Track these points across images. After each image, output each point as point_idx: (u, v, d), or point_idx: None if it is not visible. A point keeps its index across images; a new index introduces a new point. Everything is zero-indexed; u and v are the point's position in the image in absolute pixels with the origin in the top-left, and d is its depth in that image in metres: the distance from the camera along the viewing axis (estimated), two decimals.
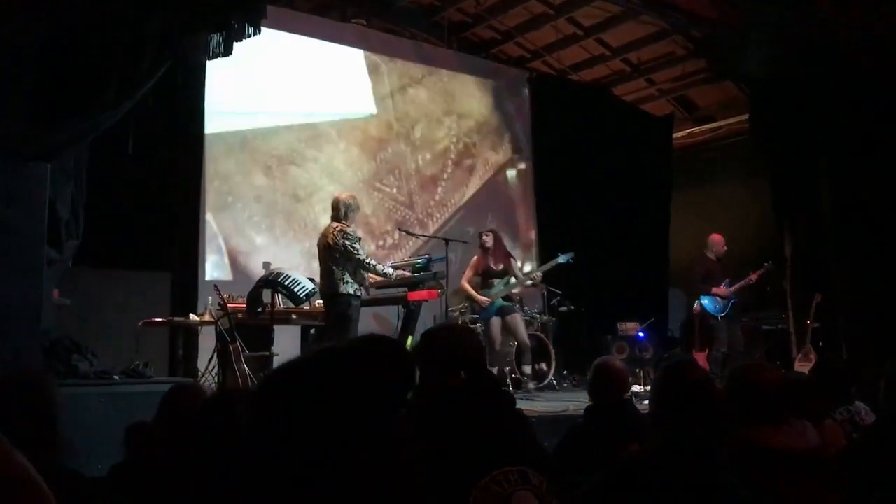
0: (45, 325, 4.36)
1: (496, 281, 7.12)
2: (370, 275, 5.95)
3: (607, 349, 8.19)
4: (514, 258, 7.63)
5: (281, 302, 6.28)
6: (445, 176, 9.63)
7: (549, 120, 10.19)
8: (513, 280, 7.25)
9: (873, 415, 3.46)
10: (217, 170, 7.84)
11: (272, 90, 8.20)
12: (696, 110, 11.62)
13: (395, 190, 9.15)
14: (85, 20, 4.40)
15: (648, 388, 6.48)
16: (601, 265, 9.38)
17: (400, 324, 6.36)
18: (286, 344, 6.53)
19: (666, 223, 10.66)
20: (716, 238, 7.68)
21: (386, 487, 0.98)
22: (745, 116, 9.13)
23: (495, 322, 7.06)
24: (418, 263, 6.56)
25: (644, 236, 10.28)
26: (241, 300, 6.41)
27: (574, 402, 6.14)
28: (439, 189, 9.53)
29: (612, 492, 2.01)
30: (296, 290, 5.97)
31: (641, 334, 8.75)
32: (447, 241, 6.72)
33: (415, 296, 6.28)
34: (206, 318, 6.42)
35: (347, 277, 5.70)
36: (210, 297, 6.47)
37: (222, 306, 5.99)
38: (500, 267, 7.18)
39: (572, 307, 8.78)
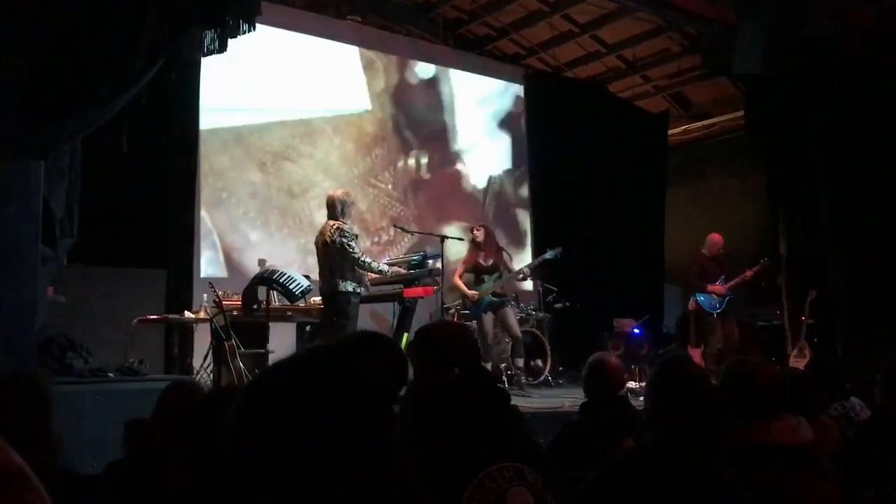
0: (40, 323, 4.33)
1: (487, 276, 7.10)
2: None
3: (603, 346, 8.19)
4: (506, 252, 7.58)
5: (276, 299, 6.27)
6: (440, 172, 9.62)
7: (544, 117, 10.19)
8: (504, 275, 7.23)
9: (868, 410, 3.47)
10: (211, 166, 7.83)
11: (267, 86, 8.17)
12: (691, 107, 11.64)
13: (390, 186, 9.14)
14: (79, 17, 4.38)
15: (644, 384, 6.48)
16: (596, 262, 9.41)
17: (395, 320, 6.36)
18: (281, 341, 6.53)
19: (661, 220, 10.70)
20: (714, 238, 7.65)
21: (380, 484, 0.98)
22: (741, 113, 9.13)
23: (487, 317, 7.05)
24: (414, 260, 6.54)
25: (639, 233, 10.30)
26: (236, 297, 6.39)
27: (569, 398, 6.16)
28: (434, 185, 9.53)
29: (608, 487, 2.02)
30: (291, 287, 5.96)
31: (637, 331, 8.78)
32: (443, 237, 6.70)
33: (410, 292, 6.26)
34: (202, 315, 6.41)
35: (347, 275, 5.70)
36: (205, 295, 6.47)
37: (217, 303, 5.98)
38: (491, 262, 7.16)
39: (568, 304, 8.79)
